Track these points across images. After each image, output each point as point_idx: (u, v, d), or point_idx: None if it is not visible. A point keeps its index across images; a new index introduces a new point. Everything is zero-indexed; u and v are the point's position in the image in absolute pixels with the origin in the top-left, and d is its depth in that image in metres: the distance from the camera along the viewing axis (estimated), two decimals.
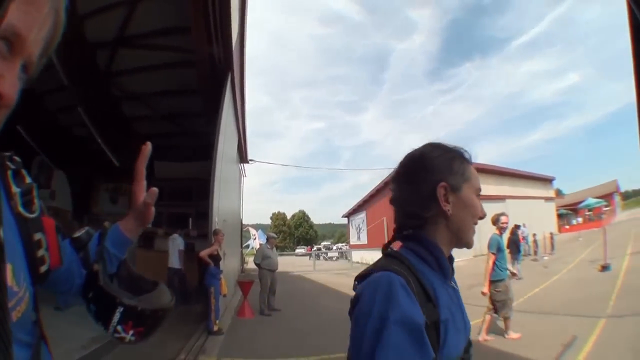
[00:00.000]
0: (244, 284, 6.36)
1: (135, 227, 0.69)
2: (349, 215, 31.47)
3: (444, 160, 0.71)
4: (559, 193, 52.92)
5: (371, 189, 23.85)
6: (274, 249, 7.02)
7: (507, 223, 4.50)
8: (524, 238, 12.87)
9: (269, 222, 64.92)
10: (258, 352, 4.30)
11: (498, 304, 4.28)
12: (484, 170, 19.52)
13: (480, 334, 4.34)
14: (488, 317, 4.43)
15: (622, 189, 49.92)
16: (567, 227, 29.36)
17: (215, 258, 5.05)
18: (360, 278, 0.65)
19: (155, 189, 0.66)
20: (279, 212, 65.31)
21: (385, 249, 0.72)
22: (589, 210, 29.91)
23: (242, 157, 12.37)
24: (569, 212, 33.00)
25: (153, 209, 0.67)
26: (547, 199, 26.73)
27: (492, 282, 4.29)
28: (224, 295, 5.32)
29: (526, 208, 22.30)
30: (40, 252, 0.51)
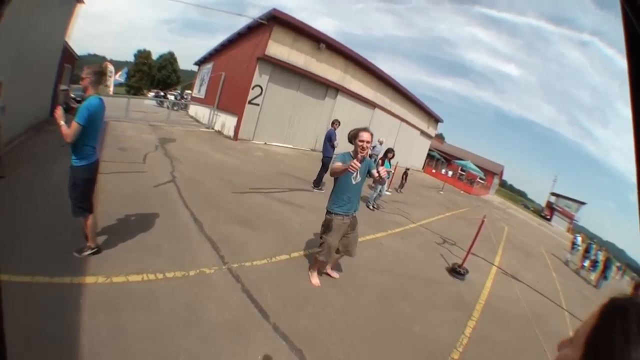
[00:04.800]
0: None
1: None
2: (200, 63, 23.82)
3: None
4: (441, 137, 54.24)
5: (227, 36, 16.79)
6: None
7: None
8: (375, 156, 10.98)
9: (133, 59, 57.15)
10: None
11: None
12: (368, 70, 16.31)
13: None
14: None
15: (505, 178, 54.35)
16: (434, 170, 30.18)
17: None
18: None
19: None
20: (144, 50, 58.80)
21: None
22: (463, 171, 29.74)
23: None
24: (442, 159, 34.08)
25: None
26: (424, 133, 26.18)
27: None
28: None
29: (394, 127, 21.05)
30: None
